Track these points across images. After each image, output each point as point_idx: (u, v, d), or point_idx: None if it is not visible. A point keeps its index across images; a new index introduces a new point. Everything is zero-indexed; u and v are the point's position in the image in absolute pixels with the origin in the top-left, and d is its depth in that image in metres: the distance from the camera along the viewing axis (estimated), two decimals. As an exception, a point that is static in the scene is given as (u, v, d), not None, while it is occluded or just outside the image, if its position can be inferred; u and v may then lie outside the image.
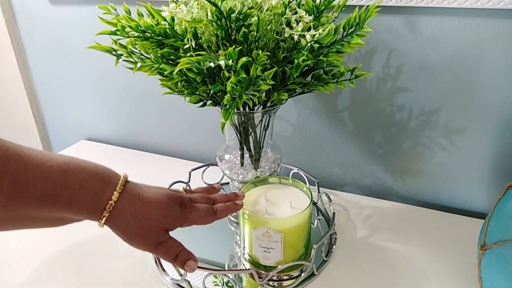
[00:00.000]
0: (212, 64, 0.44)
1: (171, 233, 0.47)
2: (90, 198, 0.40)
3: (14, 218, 0.38)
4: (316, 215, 0.70)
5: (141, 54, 0.54)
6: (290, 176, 0.73)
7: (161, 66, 0.51)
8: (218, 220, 0.50)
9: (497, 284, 0.44)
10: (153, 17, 0.52)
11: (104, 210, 0.41)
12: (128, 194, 0.43)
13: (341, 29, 0.51)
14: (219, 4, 0.47)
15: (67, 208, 0.39)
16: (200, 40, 0.51)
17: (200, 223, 0.49)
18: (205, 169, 0.78)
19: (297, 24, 0.49)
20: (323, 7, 0.54)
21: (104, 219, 0.41)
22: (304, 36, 0.48)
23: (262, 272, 0.54)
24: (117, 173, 0.44)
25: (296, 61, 0.49)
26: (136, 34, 0.51)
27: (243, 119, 0.59)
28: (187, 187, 0.75)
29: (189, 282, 0.54)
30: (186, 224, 0.47)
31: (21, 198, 0.37)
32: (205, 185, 0.78)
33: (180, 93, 0.56)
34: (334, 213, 0.63)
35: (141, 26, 0.50)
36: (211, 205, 0.50)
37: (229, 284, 0.56)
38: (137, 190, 0.44)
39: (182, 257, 0.46)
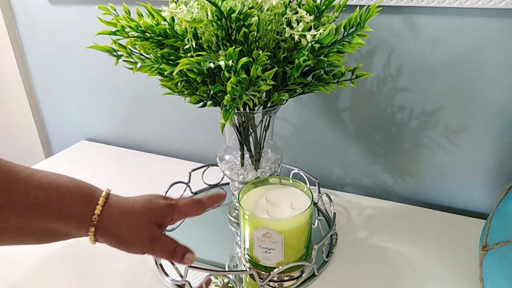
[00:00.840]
0: (212, 65, 0.44)
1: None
2: (79, 204, 0.41)
3: (2, 228, 0.38)
4: (317, 215, 0.70)
5: (141, 54, 0.54)
6: (291, 177, 0.73)
7: (161, 67, 0.50)
8: (207, 211, 0.50)
9: (498, 285, 0.44)
10: (153, 17, 0.52)
11: (93, 215, 0.42)
12: (112, 199, 0.44)
13: (342, 29, 0.51)
14: (219, 4, 0.47)
15: (58, 216, 0.40)
16: (200, 40, 0.51)
17: (190, 213, 0.49)
18: (205, 170, 0.78)
19: (298, 24, 0.49)
20: (323, 7, 0.54)
21: (93, 227, 0.42)
22: (304, 36, 0.48)
23: (263, 272, 0.54)
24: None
25: (296, 61, 0.49)
26: (136, 34, 0.51)
27: (243, 119, 0.58)
28: (187, 188, 0.75)
29: (189, 283, 0.54)
30: (176, 215, 0.47)
31: (13, 206, 0.37)
32: (205, 186, 0.78)
33: (180, 93, 0.55)
34: (334, 214, 0.63)
35: (141, 26, 0.50)
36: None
37: (229, 285, 0.56)
38: (120, 197, 0.46)
39: (179, 252, 0.46)
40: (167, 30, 0.49)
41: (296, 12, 0.49)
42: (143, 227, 0.44)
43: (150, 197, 0.47)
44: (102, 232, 0.42)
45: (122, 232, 0.43)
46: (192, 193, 0.77)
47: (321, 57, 0.51)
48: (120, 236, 0.43)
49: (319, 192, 0.72)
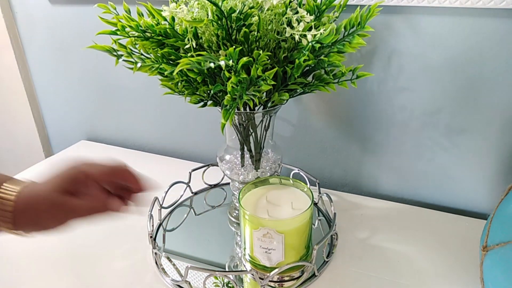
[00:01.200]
0: (212, 65, 0.44)
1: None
2: None
3: None
4: (317, 215, 0.70)
5: (141, 54, 0.54)
6: (291, 177, 0.73)
7: (161, 66, 0.50)
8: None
9: (499, 285, 0.44)
10: (154, 17, 0.51)
11: (8, 200, 0.41)
12: (27, 183, 0.43)
13: (342, 29, 0.51)
14: (220, 3, 0.47)
15: None
16: (201, 40, 0.51)
17: (104, 180, 0.45)
18: (205, 170, 0.78)
19: (298, 24, 0.49)
20: (324, 7, 0.54)
21: (10, 207, 0.40)
22: (305, 36, 0.48)
23: (263, 273, 0.54)
24: None
25: (297, 61, 0.49)
26: (136, 34, 0.51)
27: (243, 119, 0.58)
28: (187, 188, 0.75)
29: (189, 283, 0.54)
30: (90, 182, 0.44)
31: None
32: (205, 186, 0.78)
33: (181, 93, 0.55)
34: (335, 214, 0.63)
35: (141, 26, 0.50)
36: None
37: (229, 285, 0.56)
38: (36, 183, 0.44)
39: (100, 208, 0.44)
40: (168, 29, 0.49)
41: (297, 12, 0.49)
42: (49, 204, 0.42)
43: (61, 170, 0.44)
44: (17, 224, 0.41)
45: (32, 216, 0.42)
46: (192, 193, 0.76)
47: (322, 57, 0.51)
48: (31, 220, 0.42)
49: (320, 192, 0.72)
